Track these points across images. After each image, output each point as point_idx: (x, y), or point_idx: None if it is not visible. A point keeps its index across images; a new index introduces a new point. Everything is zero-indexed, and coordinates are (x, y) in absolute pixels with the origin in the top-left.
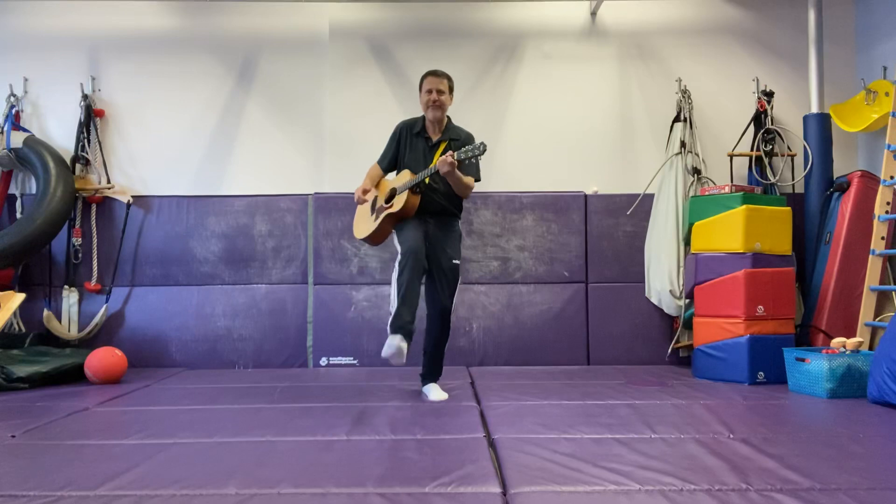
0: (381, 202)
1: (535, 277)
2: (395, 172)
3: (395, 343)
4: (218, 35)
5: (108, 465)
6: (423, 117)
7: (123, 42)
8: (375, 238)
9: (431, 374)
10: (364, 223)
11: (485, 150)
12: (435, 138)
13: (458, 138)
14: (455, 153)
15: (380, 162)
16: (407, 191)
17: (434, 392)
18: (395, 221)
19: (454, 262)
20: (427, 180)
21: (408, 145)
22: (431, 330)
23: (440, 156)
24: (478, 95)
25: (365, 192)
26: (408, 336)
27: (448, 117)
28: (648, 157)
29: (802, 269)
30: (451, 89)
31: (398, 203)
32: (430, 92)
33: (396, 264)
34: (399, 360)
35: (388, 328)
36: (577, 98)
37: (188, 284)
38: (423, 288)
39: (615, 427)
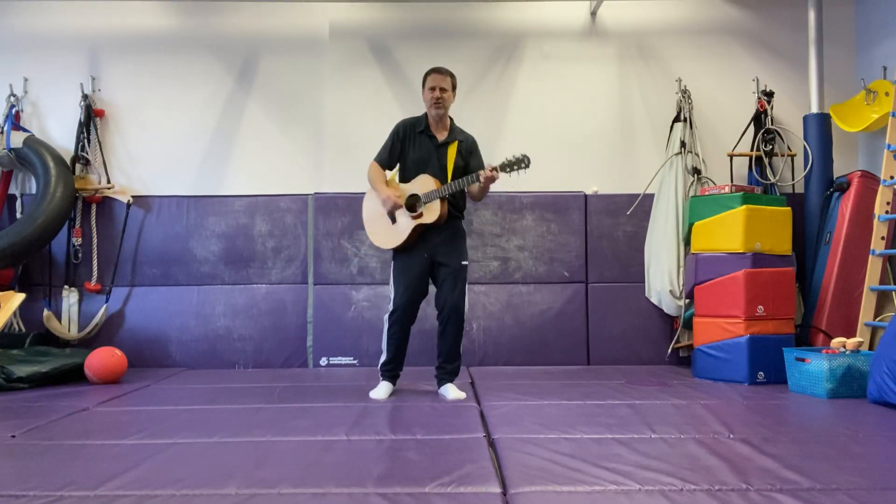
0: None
1: (535, 277)
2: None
3: (385, 388)
4: (218, 35)
5: (108, 465)
6: (426, 115)
7: (123, 42)
8: (405, 245)
9: (450, 374)
10: (387, 233)
11: (529, 164)
12: (441, 137)
13: (464, 140)
14: (497, 167)
15: (380, 161)
16: (439, 199)
17: (452, 391)
18: (421, 229)
19: (463, 262)
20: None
21: (412, 144)
22: (445, 332)
23: (454, 155)
24: (478, 95)
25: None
26: (396, 380)
27: (451, 118)
28: (648, 157)
29: (802, 269)
30: (454, 87)
31: (431, 214)
32: (433, 89)
33: (387, 317)
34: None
35: (380, 373)
36: (577, 98)
37: (188, 284)
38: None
39: (615, 427)
